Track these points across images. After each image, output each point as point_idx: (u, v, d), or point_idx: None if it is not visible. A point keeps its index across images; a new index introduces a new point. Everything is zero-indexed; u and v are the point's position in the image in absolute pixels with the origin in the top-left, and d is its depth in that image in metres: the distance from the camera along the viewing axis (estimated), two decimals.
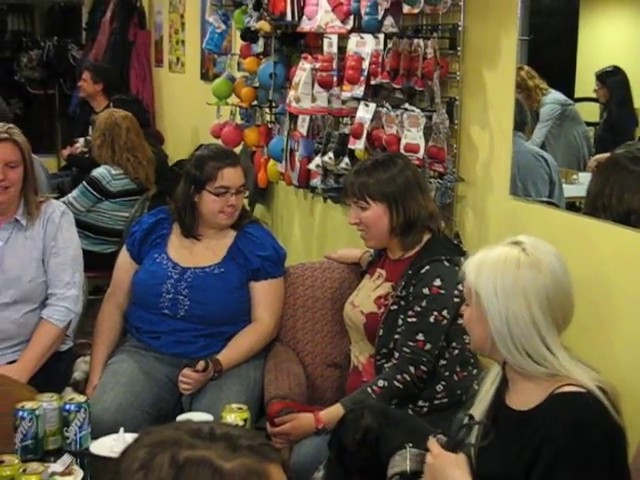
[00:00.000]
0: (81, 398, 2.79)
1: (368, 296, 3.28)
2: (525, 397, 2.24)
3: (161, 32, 8.52)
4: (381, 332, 3.14)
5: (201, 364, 3.30)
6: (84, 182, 5.54)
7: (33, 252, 3.52)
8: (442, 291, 3.05)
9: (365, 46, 3.92)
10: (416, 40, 3.66)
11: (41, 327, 3.50)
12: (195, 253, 3.57)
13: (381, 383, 3.03)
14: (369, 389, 3.03)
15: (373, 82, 3.90)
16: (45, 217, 3.55)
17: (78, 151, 6.92)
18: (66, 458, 2.65)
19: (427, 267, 3.09)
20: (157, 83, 8.81)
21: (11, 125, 3.54)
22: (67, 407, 2.74)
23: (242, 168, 3.59)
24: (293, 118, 4.71)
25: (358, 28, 4.04)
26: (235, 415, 2.75)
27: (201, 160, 3.53)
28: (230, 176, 3.50)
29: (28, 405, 2.70)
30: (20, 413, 2.67)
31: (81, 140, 7.05)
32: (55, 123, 10.48)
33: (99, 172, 5.55)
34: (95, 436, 2.77)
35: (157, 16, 8.66)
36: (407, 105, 3.74)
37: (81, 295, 3.60)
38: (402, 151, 3.67)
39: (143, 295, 3.57)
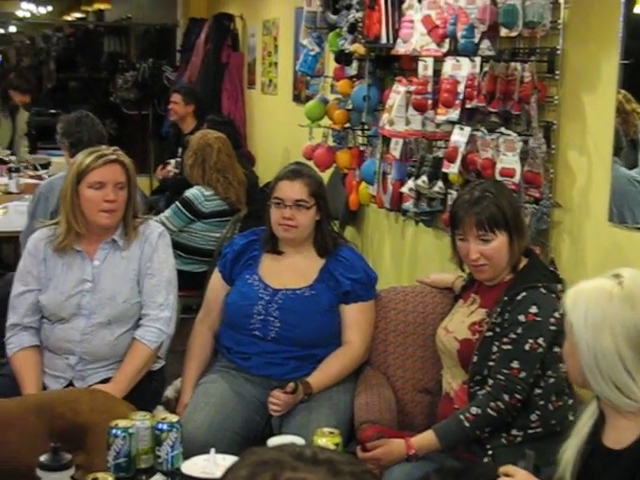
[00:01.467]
0: (173, 418, 2.80)
1: (462, 322, 3.24)
2: (619, 434, 2.18)
3: (254, 54, 8.60)
4: (475, 359, 3.09)
5: (290, 386, 3.29)
6: (177, 202, 5.60)
7: (129, 272, 3.55)
8: (538, 318, 2.99)
9: (461, 69, 3.89)
10: (513, 63, 3.63)
11: (134, 348, 3.52)
12: (286, 275, 3.57)
13: (474, 410, 2.98)
14: (462, 416, 2.99)
15: (468, 105, 3.86)
16: (143, 238, 3.59)
17: (170, 174, 7.01)
18: (158, 477, 2.66)
19: (523, 294, 3.04)
20: (249, 104, 8.89)
21: (116, 147, 3.61)
22: (160, 426, 2.75)
23: (306, 184, 3.55)
24: (386, 141, 4.70)
25: (454, 51, 4.01)
26: (327, 439, 2.73)
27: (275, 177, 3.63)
28: (285, 188, 3.53)
29: (122, 423, 2.72)
30: (114, 431, 2.69)
31: (172, 162, 7.16)
32: (148, 144, 10.64)
33: (192, 193, 5.60)
34: (185, 455, 2.78)
35: (250, 38, 8.75)
36: (503, 129, 3.69)
37: (174, 317, 3.61)
38: (497, 175, 3.63)
39: (234, 316, 3.58)
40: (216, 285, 3.74)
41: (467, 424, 2.96)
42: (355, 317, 3.54)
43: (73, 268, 3.54)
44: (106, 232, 3.57)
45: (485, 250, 3.11)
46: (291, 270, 3.59)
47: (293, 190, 3.53)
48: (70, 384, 3.51)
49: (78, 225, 3.51)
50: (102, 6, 14.80)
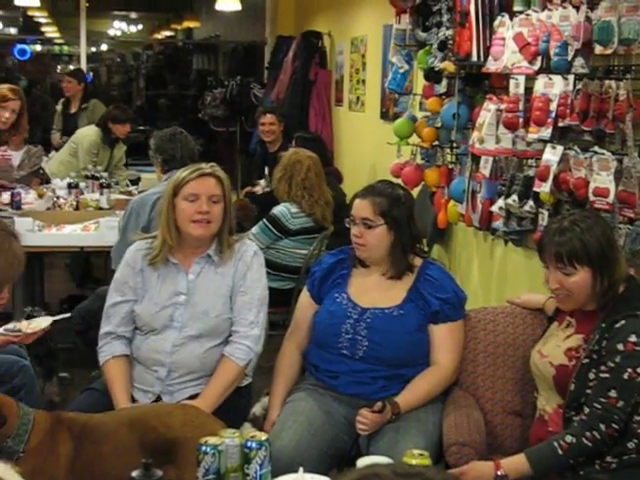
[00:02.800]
0: (262, 436, 2.79)
1: (557, 346, 3.18)
2: None
3: (342, 71, 8.62)
4: (573, 386, 3.02)
5: (378, 405, 3.27)
6: (264, 219, 5.63)
7: (222, 288, 3.58)
8: (637, 348, 2.92)
9: (553, 87, 3.84)
10: (607, 81, 3.57)
11: (223, 364, 3.55)
12: (375, 294, 3.56)
13: (569, 439, 2.91)
14: (556, 443, 2.92)
15: (561, 124, 3.81)
16: (238, 255, 3.62)
17: (260, 193, 7.07)
18: None
19: (622, 322, 2.96)
20: (336, 122, 8.91)
21: (213, 164, 3.66)
22: (249, 444, 2.74)
23: (374, 202, 3.52)
24: (475, 159, 4.66)
25: (546, 69, 3.96)
26: (416, 461, 2.69)
27: None
28: (356, 206, 3.56)
29: (211, 440, 2.72)
30: (203, 448, 2.69)
31: (262, 182, 7.22)
32: (235, 160, 10.74)
33: (279, 210, 5.62)
34: (273, 474, 2.77)
35: (338, 56, 8.78)
36: (596, 148, 3.63)
37: (263, 335, 3.62)
38: (590, 195, 3.57)
39: (322, 335, 3.58)
40: (305, 303, 3.75)
41: (561, 452, 2.90)
42: (444, 337, 3.51)
43: (168, 280, 3.60)
44: (201, 246, 3.61)
45: (565, 282, 3.06)
46: (379, 289, 3.57)
47: (361, 208, 3.54)
48: (158, 398, 3.55)
49: (171, 238, 3.57)
50: (191, 24, 15.02)
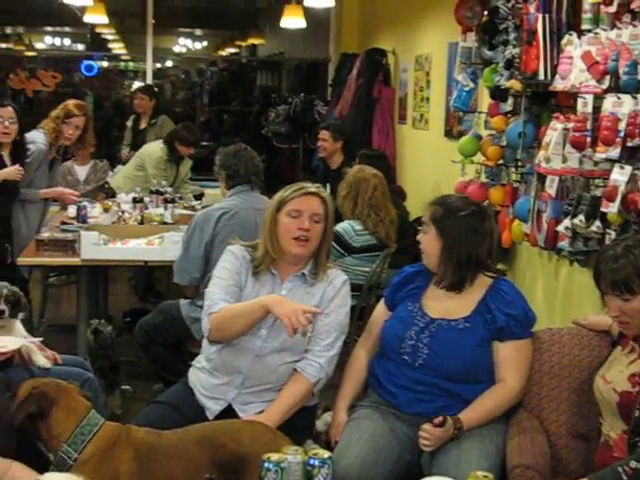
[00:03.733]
0: (325, 453, 2.79)
1: (621, 372, 3.13)
2: None
3: (406, 89, 8.61)
4: (637, 413, 2.97)
5: (439, 419, 3.27)
6: None
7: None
8: None
9: (622, 106, 3.79)
10: None
11: (294, 379, 3.58)
12: (446, 305, 3.57)
13: (634, 465, 2.85)
14: (620, 469, 2.86)
15: (630, 144, 3.75)
16: (328, 280, 3.69)
17: None
18: None
19: None
20: (400, 139, 8.89)
21: (318, 185, 3.73)
22: (311, 462, 2.75)
23: (432, 209, 3.59)
24: (541, 178, 4.62)
25: (615, 88, 3.91)
26: None
27: None
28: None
29: (274, 457, 2.72)
30: (266, 465, 2.70)
31: None
32: (297, 177, 10.75)
33: (343, 227, 5.62)
34: None
35: (402, 73, 8.77)
36: None
37: (336, 359, 3.65)
38: None
39: (387, 339, 3.62)
40: (379, 310, 3.81)
41: (625, 478, 2.85)
42: (510, 355, 3.47)
43: (265, 288, 3.66)
44: (298, 263, 3.67)
45: (624, 308, 3.03)
46: (450, 300, 3.57)
47: (424, 213, 3.63)
48: (229, 407, 3.57)
49: (274, 251, 3.63)
50: (256, 41, 15.12)
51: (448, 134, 7.18)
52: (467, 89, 5.53)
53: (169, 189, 7.37)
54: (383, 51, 9.13)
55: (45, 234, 5.89)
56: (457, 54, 5.78)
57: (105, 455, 3.05)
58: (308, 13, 8.70)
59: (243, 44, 15.71)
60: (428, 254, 3.60)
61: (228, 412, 3.58)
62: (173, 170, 8.17)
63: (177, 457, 3.07)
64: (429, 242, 3.58)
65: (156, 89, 10.27)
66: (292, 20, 8.73)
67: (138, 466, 3.05)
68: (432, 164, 7.62)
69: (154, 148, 8.19)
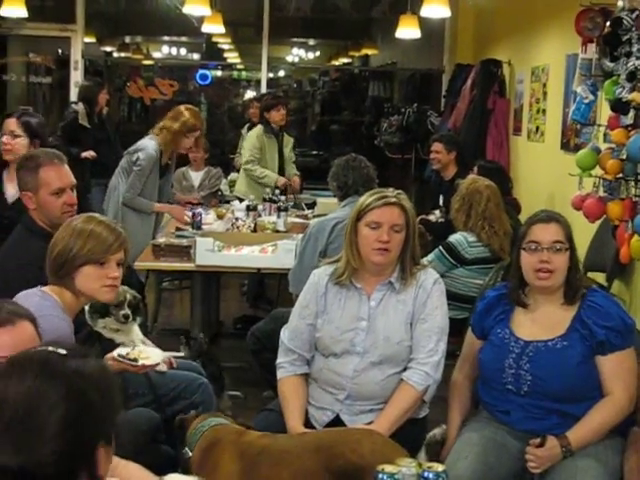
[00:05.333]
0: (440, 467, 2.76)
1: None
2: None
3: (521, 101, 8.51)
4: None
5: (535, 441, 3.23)
6: (440, 247, 5.60)
7: (403, 315, 3.59)
8: None
9: None
10: None
11: (400, 389, 3.56)
12: (537, 326, 3.49)
13: None
14: None
15: None
16: (418, 283, 3.63)
17: (433, 221, 7.05)
18: None
19: None
20: (514, 151, 8.79)
21: (400, 191, 3.69)
22: (426, 474, 2.71)
23: (562, 227, 3.50)
24: None
25: None
26: None
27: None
28: (540, 231, 3.47)
29: (388, 469, 2.70)
30: (380, 476, 2.68)
31: (437, 212, 7.19)
32: (409, 187, 10.73)
33: (456, 238, 5.58)
34: None
35: (518, 85, 8.67)
36: None
37: (442, 362, 3.61)
38: None
39: (487, 371, 3.56)
40: (470, 337, 3.74)
41: None
42: (614, 368, 3.39)
43: (351, 304, 3.63)
44: (382, 272, 3.63)
45: None
46: (542, 320, 3.50)
47: (550, 232, 3.46)
48: (337, 417, 3.58)
49: (355, 261, 3.61)
50: (369, 51, 15.12)
51: (565, 147, 7.06)
52: (586, 101, 5.43)
53: (282, 197, 7.42)
54: (499, 62, 9.04)
55: (161, 239, 6.00)
56: (576, 66, 5.68)
57: (205, 455, 3.15)
58: (423, 23, 8.67)
59: (356, 54, 15.72)
60: (560, 273, 3.47)
61: (336, 423, 3.59)
62: (274, 148, 8.29)
63: (287, 463, 3.09)
64: (565, 261, 3.46)
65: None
66: (407, 30, 8.70)
67: (241, 468, 3.10)
68: (547, 177, 7.50)
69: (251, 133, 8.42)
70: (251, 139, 8.38)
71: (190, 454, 3.20)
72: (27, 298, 3.00)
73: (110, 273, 3.30)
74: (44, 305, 3.14)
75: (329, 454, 3.07)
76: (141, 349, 3.56)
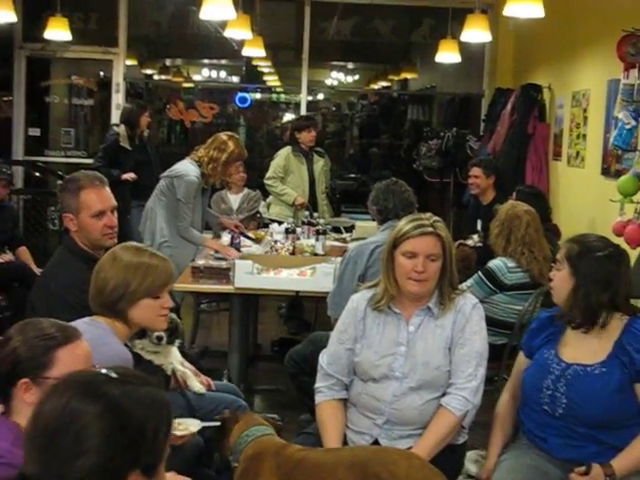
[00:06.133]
0: None
1: None
2: None
3: (561, 125, 8.47)
4: None
5: (580, 469, 3.22)
6: (479, 272, 5.57)
7: (441, 340, 3.59)
8: None
9: None
10: None
11: (439, 414, 3.54)
12: (581, 348, 3.48)
13: None
14: None
15: None
16: (457, 308, 3.63)
17: (471, 245, 7.03)
18: None
19: None
20: (554, 176, 8.75)
21: (437, 218, 3.67)
22: None
23: (568, 246, 3.53)
24: None
25: None
26: None
27: None
28: None
29: None
30: None
31: (475, 237, 7.17)
32: (447, 212, 10.71)
33: (495, 264, 5.56)
34: None
35: (558, 110, 8.64)
36: None
37: (481, 388, 3.59)
38: None
39: (527, 389, 3.55)
40: (520, 357, 3.75)
41: None
42: None
43: (389, 329, 3.63)
44: (420, 299, 3.62)
45: None
46: (587, 343, 3.48)
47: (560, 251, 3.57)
48: (375, 442, 3.56)
49: (392, 288, 3.61)
50: (408, 75, 15.14)
51: (605, 172, 7.02)
52: (628, 127, 5.41)
53: (321, 220, 7.43)
54: (539, 87, 9.02)
55: (200, 261, 6.02)
56: (618, 91, 5.67)
57: (248, 465, 3.18)
58: (463, 47, 8.67)
59: (395, 78, 15.75)
60: (558, 292, 3.53)
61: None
62: (303, 167, 8.33)
63: (321, 477, 3.09)
64: (561, 280, 3.51)
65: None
66: (447, 55, 8.71)
67: None
68: (588, 202, 7.46)
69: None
70: (279, 158, 8.48)
71: (236, 464, 3.25)
72: (82, 326, 3.01)
73: (165, 303, 3.36)
74: (102, 334, 3.17)
75: (363, 471, 3.06)
76: (181, 421, 3.48)
